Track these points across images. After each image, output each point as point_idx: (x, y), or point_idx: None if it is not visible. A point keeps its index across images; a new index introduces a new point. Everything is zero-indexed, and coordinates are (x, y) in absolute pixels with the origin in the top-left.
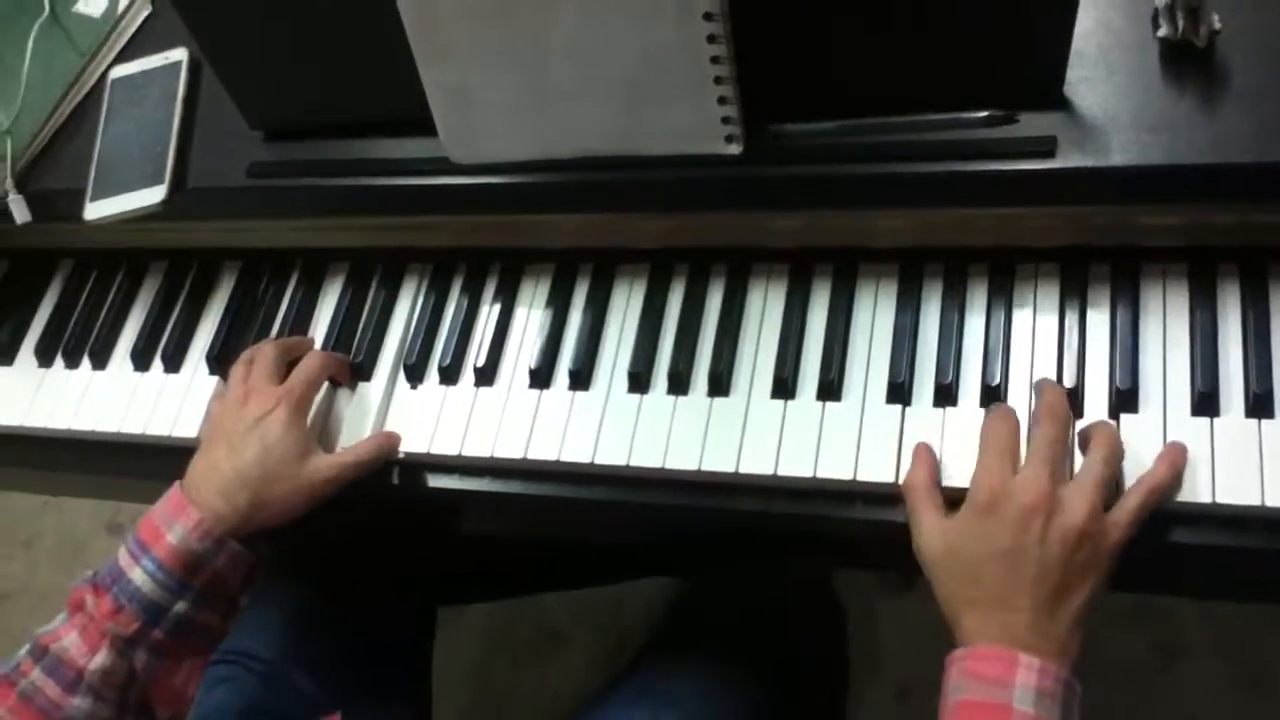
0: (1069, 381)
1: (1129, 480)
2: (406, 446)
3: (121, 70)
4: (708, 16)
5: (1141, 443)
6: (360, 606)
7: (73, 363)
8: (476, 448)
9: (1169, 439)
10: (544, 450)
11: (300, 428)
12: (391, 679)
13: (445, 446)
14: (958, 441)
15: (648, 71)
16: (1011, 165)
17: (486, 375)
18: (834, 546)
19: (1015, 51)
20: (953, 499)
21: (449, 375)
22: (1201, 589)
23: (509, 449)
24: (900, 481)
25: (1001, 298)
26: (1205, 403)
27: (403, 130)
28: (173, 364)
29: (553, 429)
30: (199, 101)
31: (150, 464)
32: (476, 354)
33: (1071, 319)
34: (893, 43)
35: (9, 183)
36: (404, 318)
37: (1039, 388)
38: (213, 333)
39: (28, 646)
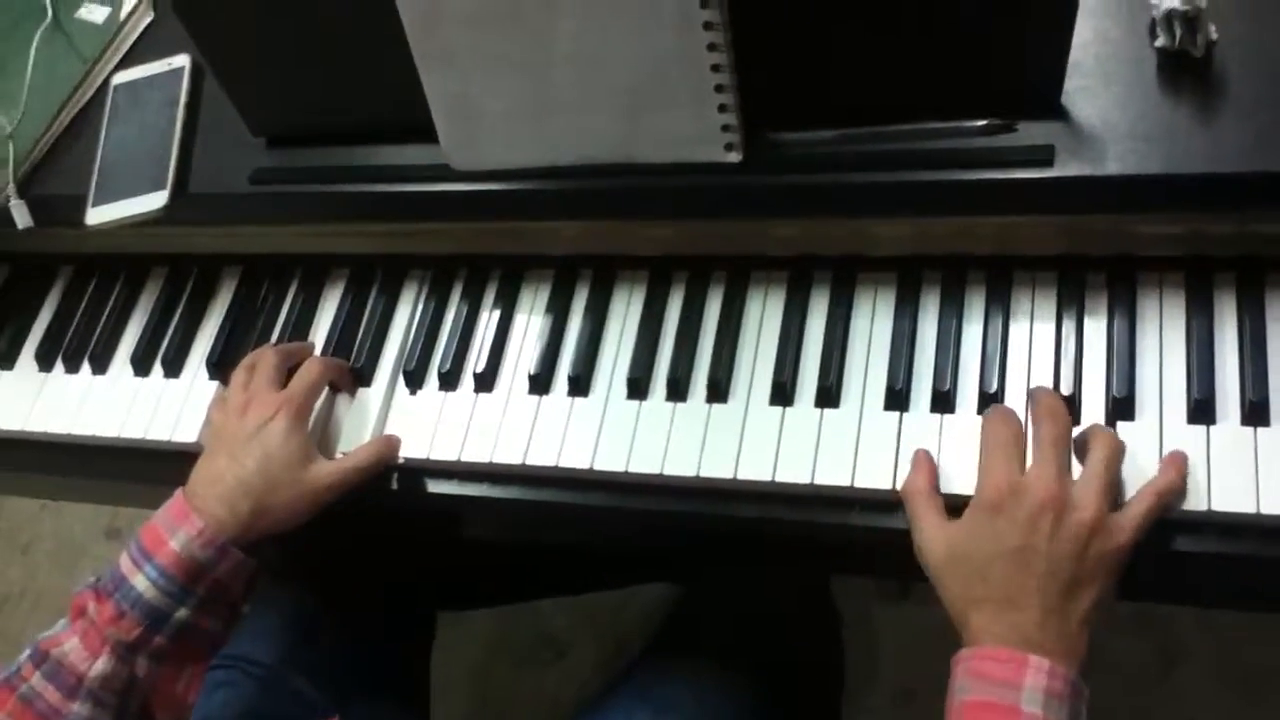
0: (1066, 389)
1: (1127, 487)
2: (406, 452)
3: (124, 76)
4: (708, 25)
5: (1138, 450)
6: (359, 612)
7: (73, 367)
8: (476, 453)
9: (1165, 446)
10: (543, 456)
11: (301, 434)
12: (390, 684)
13: (444, 452)
14: (955, 448)
15: (648, 79)
16: (1009, 174)
17: (486, 381)
18: (831, 553)
19: (1013, 61)
20: (951, 505)
21: (448, 381)
22: (1198, 597)
23: (508, 455)
24: (898, 488)
25: (999, 305)
26: (1201, 410)
27: (404, 137)
28: (173, 369)
29: (552, 435)
30: (201, 108)
31: (150, 469)
32: (476, 360)
33: (1069, 327)
34: (891, 51)
35: (11, 188)
36: (404, 323)
37: (1034, 395)
38: (213, 338)
39: (28, 651)
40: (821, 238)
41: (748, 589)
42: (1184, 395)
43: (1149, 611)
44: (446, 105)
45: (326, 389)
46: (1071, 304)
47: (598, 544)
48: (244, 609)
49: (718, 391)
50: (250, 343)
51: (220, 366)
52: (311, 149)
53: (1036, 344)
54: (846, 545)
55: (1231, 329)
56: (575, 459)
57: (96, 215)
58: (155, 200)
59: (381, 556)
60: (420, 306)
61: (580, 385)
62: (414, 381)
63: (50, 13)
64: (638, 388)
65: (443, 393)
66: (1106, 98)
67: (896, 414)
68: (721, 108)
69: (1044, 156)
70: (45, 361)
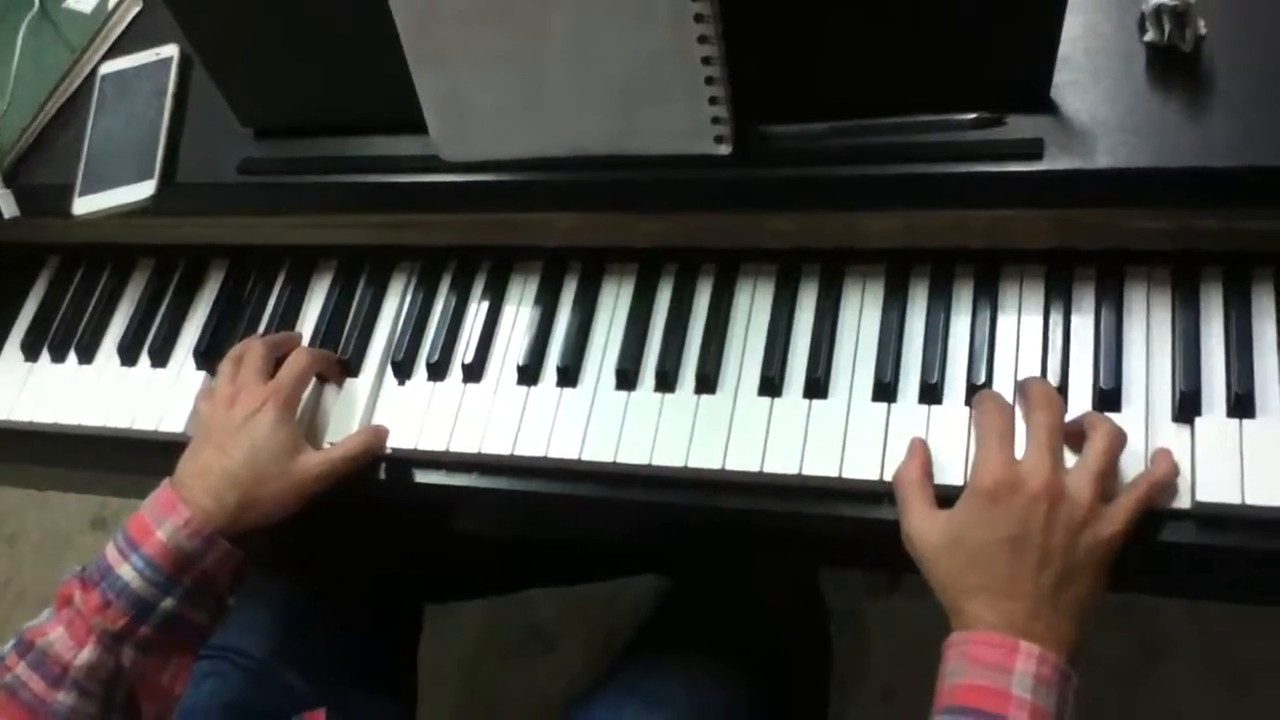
0: (1054, 381)
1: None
2: (394, 443)
3: (112, 66)
4: (698, 18)
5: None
6: (348, 604)
7: (59, 357)
8: (464, 444)
9: (1151, 438)
10: (531, 446)
11: (289, 425)
12: (378, 676)
13: (433, 443)
14: (942, 440)
15: (640, 72)
16: (999, 167)
17: (474, 372)
18: (820, 543)
19: (1003, 54)
20: (939, 496)
21: (437, 372)
22: (1183, 589)
23: (496, 445)
24: (886, 479)
25: (987, 298)
26: (1187, 403)
27: (394, 128)
28: (160, 359)
29: (540, 425)
30: (189, 98)
31: (136, 459)
32: (465, 350)
33: (1056, 319)
34: (881, 45)
35: None
36: (392, 314)
37: (1026, 384)
38: (200, 328)
39: (13, 641)
40: (811, 230)
41: (737, 581)
42: (1170, 388)
43: (1134, 604)
44: (437, 97)
45: (314, 380)
46: (1059, 297)
47: (586, 535)
48: (230, 601)
49: (706, 383)
50: (238, 333)
51: (207, 357)
52: (300, 140)
53: (1024, 336)
54: (834, 536)
55: (1218, 322)
56: (563, 449)
57: (83, 205)
58: (142, 190)
59: (370, 548)
60: (409, 297)
61: (569, 376)
62: (402, 372)
63: (38, 2)
64: (626, 379)
65: (431, 383)
66: (1096, 92)
67: (884, 405)
68: (712, 100)
69: (1033, 150)
70: (31, 351)
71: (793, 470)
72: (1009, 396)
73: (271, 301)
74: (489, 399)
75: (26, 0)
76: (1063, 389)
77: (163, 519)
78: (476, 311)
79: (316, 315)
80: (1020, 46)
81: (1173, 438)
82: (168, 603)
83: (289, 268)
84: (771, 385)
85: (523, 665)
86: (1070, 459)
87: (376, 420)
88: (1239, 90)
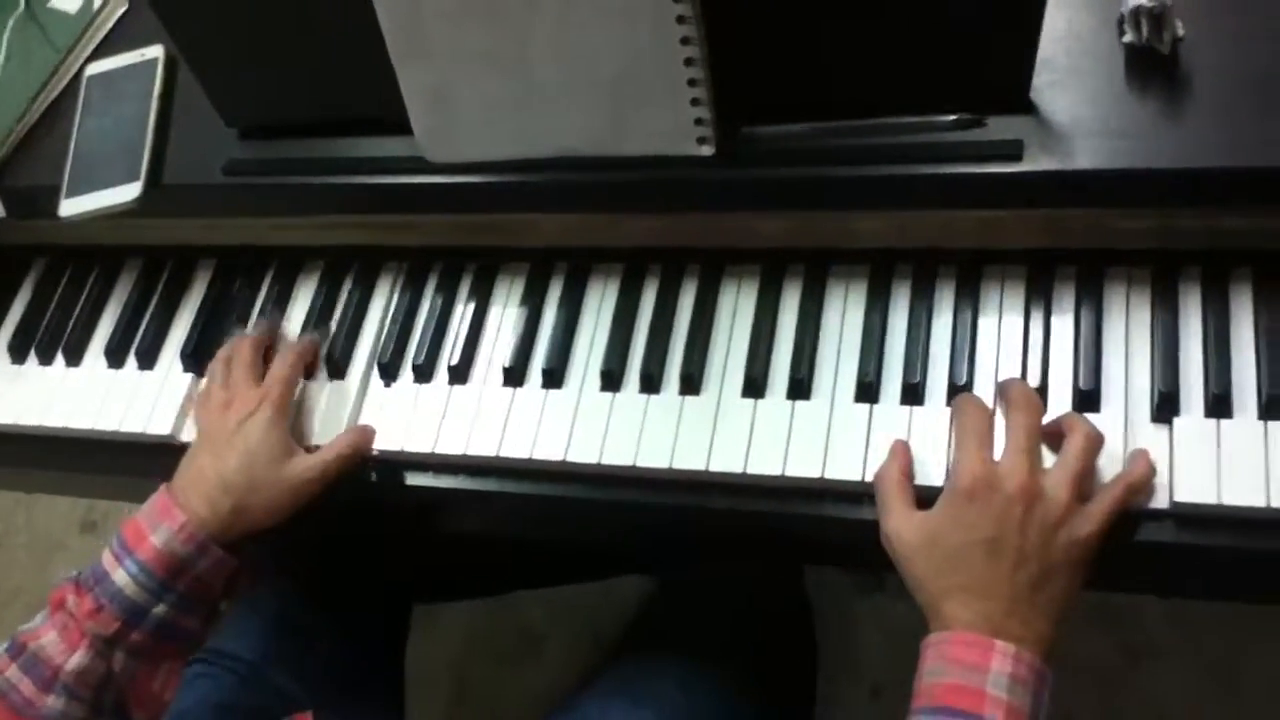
0: (1034, 381)
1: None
2: (380, 444)
3: (97, 67)
4: (681, 19)
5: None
6: (336, 607)
7: (46, 359)
8: (450, 445)
9: (1130, 438)
10: (516, 448)
11: (281, 428)
12: (367, 678)
13: (419, 444)
14: (924, 440)
15: (624, 73)
16: (979, 168)
17: (460, 373)
18: (803, 543)
19: (983, 56)
20: (919, 497)
21: (423, 373)
22: (1163, 587)
23: (482, 447)
24: (868, 479)
25: (968, 299)
26: (1166, 403)
27: (379, 129)
28: (147, 361)
29: (526, 427)
30: (175, 99)
31: (124, 461)
32: (451, 352)
33: (1036, 320)
34: (863, 47)
35: None
36: (379, 316)
37: (1006, 385)
38: (187, 330)
39: (6, 644)
40: (794, 231)
41: (723, 581)
42: (1149, 388)
43: (1117, 605)
44: (422, 98)
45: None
46: (1039, 298)
47: (572, 536)
48: (223, 608)
49: (691, 384)
50: (225, 334)
51: (194, 358)
52: (285, 141)
53: (1005, 337)
54: (818, 536)
55: (1196, 322)
56: (549, 451)
57: (70, 206)
58: (129, 192)
59: (357, 551)
60: (395, 298)
61: (554, 378)
62: (388, 374)
63: (23, 2)
64: (612, 380)
65: (417, 385)
66: (1075, 93)
67: (867, 406)
68: (695, 101)
69: (1013, 151)
70: (18, 353)
71: (776, 471)
72: (990, 396)
73: (258, 303)
74: (475, 400)
75: (12, 1)
76: (1042, 389)
77: (158, 524)
78: (462, 313)
79: (303, 316)
80: (1000, 49)
81: (1151, 438)
82: (160, 609)
83: (276, 269)
84: (755, 386)
85: (512, 666)
86: (1050, 459)
87: (363, 421)
88: (1216, 91)
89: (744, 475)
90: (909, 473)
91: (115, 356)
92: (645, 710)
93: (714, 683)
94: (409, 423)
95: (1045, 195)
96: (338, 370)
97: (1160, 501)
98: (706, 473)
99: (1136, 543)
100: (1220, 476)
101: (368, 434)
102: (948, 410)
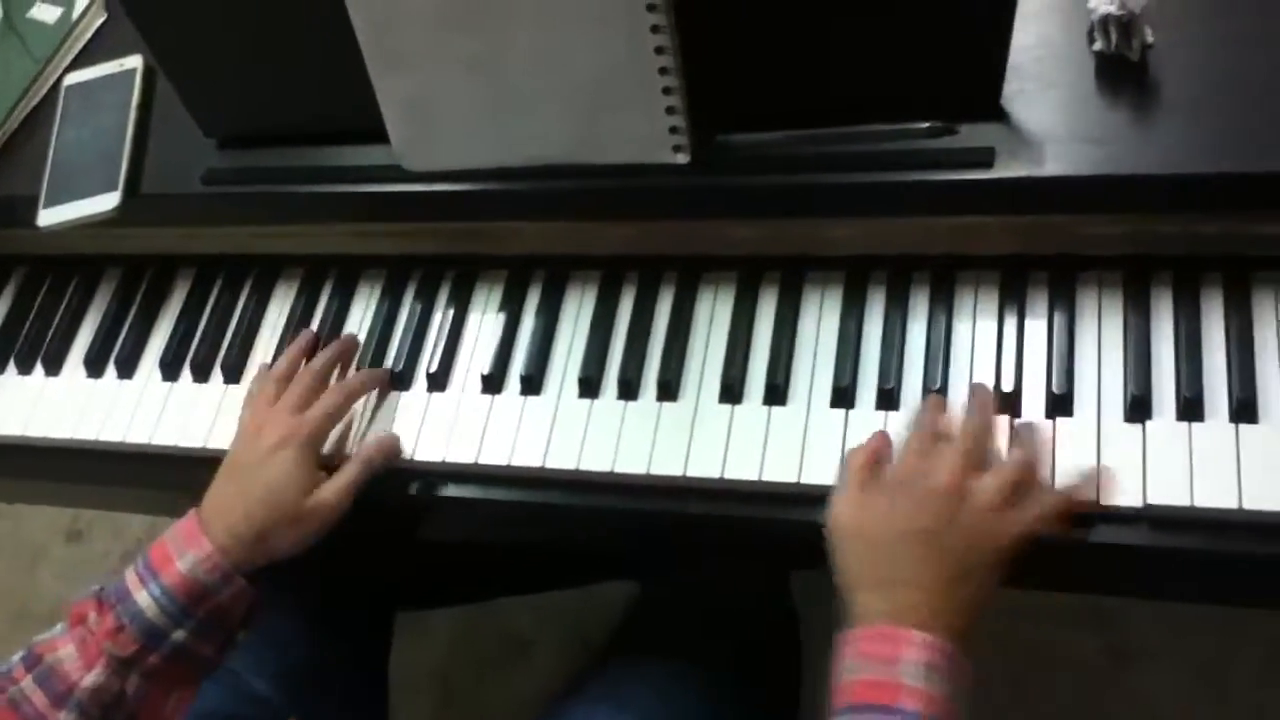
0: (1007, 386)
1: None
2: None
3: (76, 77)
4: (655, 28)
5: (1076, 445)
6: (318, 614)
7: (26, 369)
8: (428, 453)
9: (1103, 441)
10: (495, 455)
11: (308, 465)
12: (348, 686)
13: None
14: (900, 445)
15: (599, 82)
16: (951, 175)
17: (439, 381)
18: (780, 548)
19: (953, 63)
20: None
21: (401, 381)
22: (1138, 589)
23: (460, 453)
24: None
25: (943, 305)
26: (1138, 406)
27: (357, 137)
28: (126, 370)
29: (504, 434)
30: (153, 108)
31: (104, 470)
32: (429, 360)
33: (1010, 325)
34: (834, 55)
35: None
36: (357, 324)
37: (972, 389)
38: (166, 339)
39: (22, 653)
40: (770, 238)
41: (706, 586)
42: (1121, 391)
43: (1102, 607)
44: (398, 108)
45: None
46: (1013, 303)
47: (551, 541)
48: (240, 636)
49: (668, 390)
50: (204, 344)
51: (174, 367)
52: (264, 150)
53: (979, 342)
54: (794, 540)
55: (1168, 327)
56: (527, 457)
57: (48, 216)
58: (107, 201)
59: (338, 558)
60: (374, 306)
61: (533, 384)
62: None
63: (1, 12)
64: (590, 386)
65: (396, 393)
66: (1046, 101)
67: (843, 411)
68: (669, 110)
69: (984, 158)
70: None
71: (753, 476)
72: (964, 400)
73: (237, 312)
74: (453, 408)
75: None
76: (1016, 394)
77: (184, 550)
78: (441, 320)
79: (282, 325)
80: (970, 56)
81: (1124, 441)
82: (179, 634)
83: (255, 277)
84: (732, 392)
85: (498, 672)
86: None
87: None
88: (1185, 97)
89: (721, 480)
90: (877, 460)
91: (94, 366)
92: (627, 715)
93: (698, 688)
94: (387, 430)
95: (1017, 201)
96: None
97: (1134, 503)
98: (684, 478)
99: (1110, 545)
100: (1193, 479)
101: (384, 447)
102: None
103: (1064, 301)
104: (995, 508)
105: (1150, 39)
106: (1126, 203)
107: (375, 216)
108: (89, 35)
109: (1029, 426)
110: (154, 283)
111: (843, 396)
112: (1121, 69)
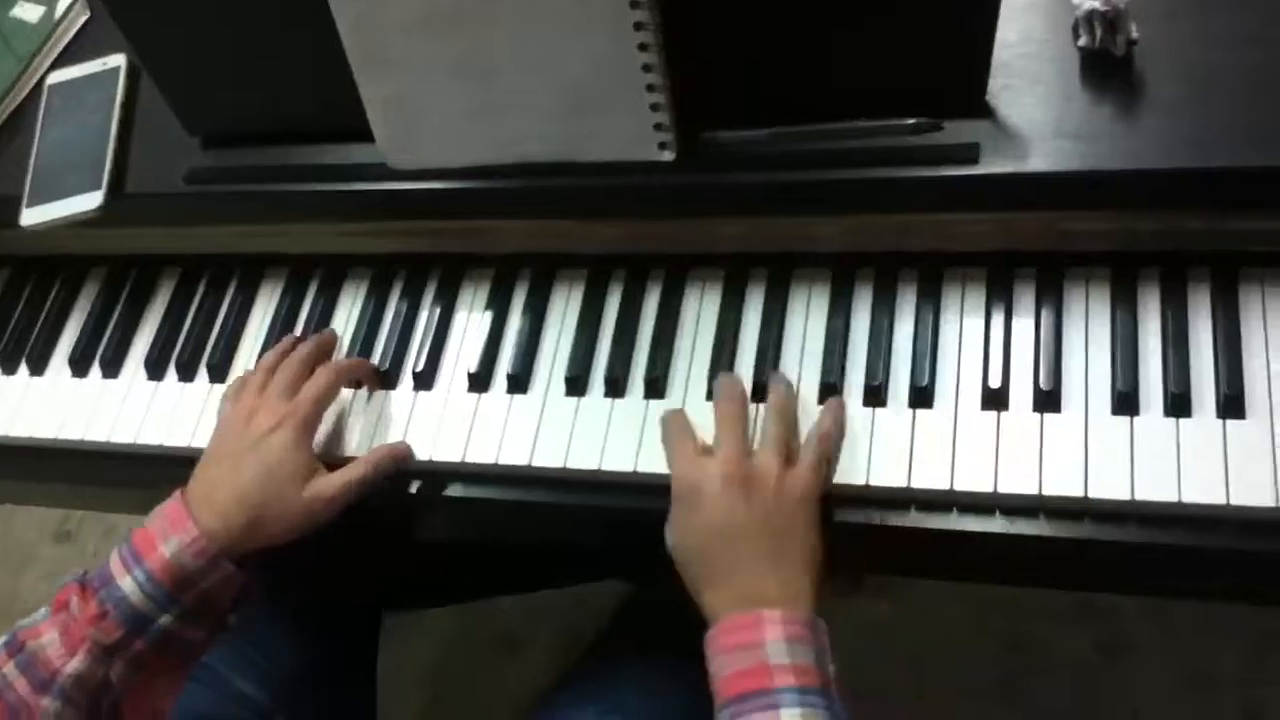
0: (995, 382)
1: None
2: (345, 450)
3: (59, 75)
4: (639, 26)
5: (1064, 441)
6: (303, 613)
7: (10, 369)
8: (415, 451)
9: (1091, 437)
10: (482, 453)
11: (305, 449)
12: (334, 685)
13: None
14: (885, 442)
15: (584, 80)
16: (936, 171)
17: (425, 379)
18: None
19: (938, 60)
20: (882, 498)
21: (388, 380)
22: (1125, 585)
23: (447, 453)
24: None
25: (930, 301)
26: (1125, 402)
27: (341, 136)
28: (111, 370)
29: (490, 432)
30: (137, 107)
31: (90, 470)
32: (416, 358)
33: (997, 322)
34: (820, 51)
35: None
36: (343, 322)
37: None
38: (151, 338)
39: (4, 639)
40: (756, 235)
41: None
42: (1109, 387)
43: (1092, 603)
44: (383, 106)
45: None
46: (1000, 300)
47: (539, 541)
48: (231, 620)
49: (655, 388)
50: (189, 343)
51: (159, 366)
52: (247, 148)
53: (966, 339)
54: None
55: (1155, 323)
56: (514, 456)
57: (32, 216)
58: (91, 200)
59: (326, 556)
60: (359, 305)
61: (519, 383)
62: (353, 381)
63: None
64: (576, 385)
65: (383, 391)
66: (1031, 97)
67: None
68: (654, 107)
69: (969, 155)
70: None
71: None
72: (952, 397)
73: (223, 311)
74: (440, 407)
75: None
76: (1004, 390)
77: (169, 534)
78: (427, 319)
79: (267, 324)
80: (954, 52)
81: (1111, 437)
82: (164, 620)
83: (240, 276)
84: None
85: (490, 670)
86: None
87: (324, 428)
88: (1170, 93)
89: None
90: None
91: (79, 365)
92: (615, 715)
93: (684, 689)
94: (373, 430)
95: (1002, 197)
96: None
97: (1121, 499)
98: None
99: (1097, 541)
100: (1180, 474)
101: (396, 454)
102: (911, 413)
103: (1051, 298)
104: (779, 472)
105: (1135, 35)
106: (1112, 198)
107: (360, 215)
108: (72, 34)
109: (772, 379)
110: (139, 282)
111: (830, 394)
112: (1106, 65)
